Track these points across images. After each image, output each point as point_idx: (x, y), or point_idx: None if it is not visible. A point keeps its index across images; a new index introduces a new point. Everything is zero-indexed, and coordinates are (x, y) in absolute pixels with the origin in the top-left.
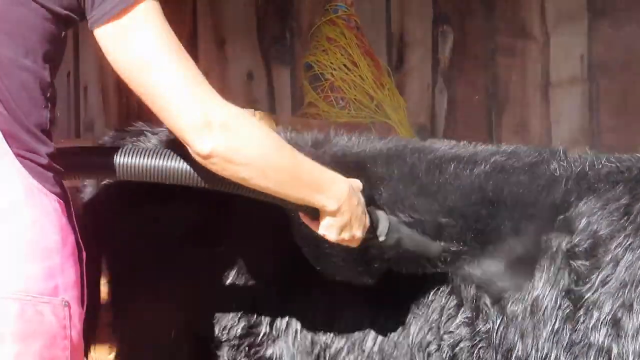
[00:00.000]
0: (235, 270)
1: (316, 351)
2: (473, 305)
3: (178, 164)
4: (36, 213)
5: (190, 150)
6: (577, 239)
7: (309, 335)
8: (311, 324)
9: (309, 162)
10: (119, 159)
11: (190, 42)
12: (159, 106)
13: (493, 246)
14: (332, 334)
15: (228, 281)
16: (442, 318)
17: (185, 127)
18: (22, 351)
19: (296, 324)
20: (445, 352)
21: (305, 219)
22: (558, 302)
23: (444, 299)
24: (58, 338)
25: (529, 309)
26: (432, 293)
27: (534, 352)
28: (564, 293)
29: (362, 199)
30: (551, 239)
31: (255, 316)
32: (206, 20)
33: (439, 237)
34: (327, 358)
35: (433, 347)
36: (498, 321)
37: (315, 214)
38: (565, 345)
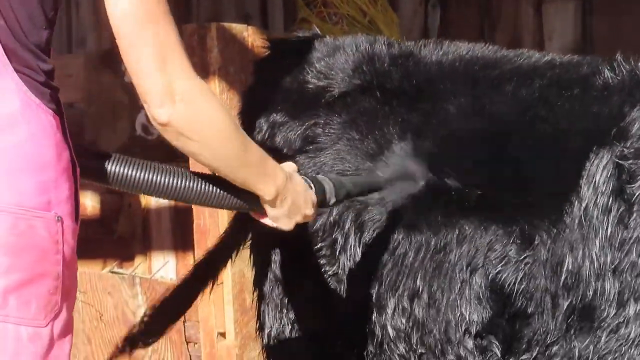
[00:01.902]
0: None
1: (366, 265)
2: (518, 224)
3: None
4: (33, 127)
5: (147, 113)
6: (629, 142)
7: (360, 251)
8: (361, 239)
9: (256, 149)
10: (112, 167)
11: None
12: (131, 61)
13: (538, 163)
14: (377, 249)
15: None
16: (486, 237)
17: (149, 91)
18: (13, 264)
19: (350, 241)
20: (489, 269)
21: (256, 216)
22: (609, 207)
23: (487, 221)
24: (50, 253)
25: (576, 220)
26: (474, 214)
27: (587, 262)
28: (615, 195)
29: (300, 179)
30: (603, 149)
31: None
32: None
33: (491, 156)
34: (373, 272)
35: (476, 265)
36: (545, 236)
37: (263, 210)
38: (617, 245)
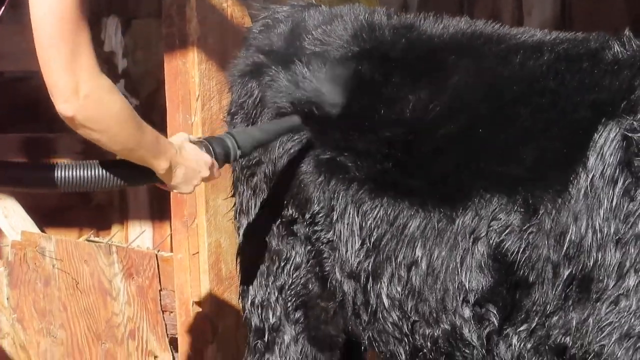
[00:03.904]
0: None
1: (363, 235)
2: (523, 194)
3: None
4: None
5: (55, 105)
6: (639, 115)
7: (358, 220)
8: (359, 209)
9: (150, 131)
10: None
11: None
12: (44, 58)
13: (546, 134)
14: (376, 220)
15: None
16: (490, 207)
17: (56, 88)
18: None
19: (348, 210)
20: (492, 238)
21: (162, 186)
22: (615, 178)
23: (491, 190)
24: None
25: (582, 191)
26: (478, 185)
27: (590, 233)
28: (622, 167)
29: (191, 147)
30: (611, 121)
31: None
32: None
33: (499, 127)
34: (371, 242)
35: (479, 234)
36: (550, 206)
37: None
38: (622, 217)
